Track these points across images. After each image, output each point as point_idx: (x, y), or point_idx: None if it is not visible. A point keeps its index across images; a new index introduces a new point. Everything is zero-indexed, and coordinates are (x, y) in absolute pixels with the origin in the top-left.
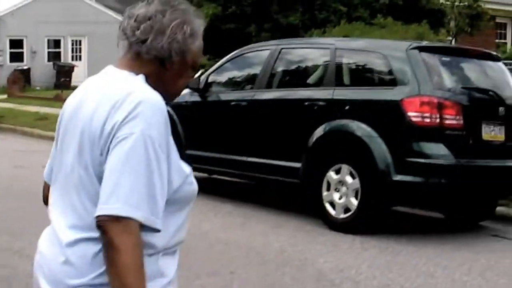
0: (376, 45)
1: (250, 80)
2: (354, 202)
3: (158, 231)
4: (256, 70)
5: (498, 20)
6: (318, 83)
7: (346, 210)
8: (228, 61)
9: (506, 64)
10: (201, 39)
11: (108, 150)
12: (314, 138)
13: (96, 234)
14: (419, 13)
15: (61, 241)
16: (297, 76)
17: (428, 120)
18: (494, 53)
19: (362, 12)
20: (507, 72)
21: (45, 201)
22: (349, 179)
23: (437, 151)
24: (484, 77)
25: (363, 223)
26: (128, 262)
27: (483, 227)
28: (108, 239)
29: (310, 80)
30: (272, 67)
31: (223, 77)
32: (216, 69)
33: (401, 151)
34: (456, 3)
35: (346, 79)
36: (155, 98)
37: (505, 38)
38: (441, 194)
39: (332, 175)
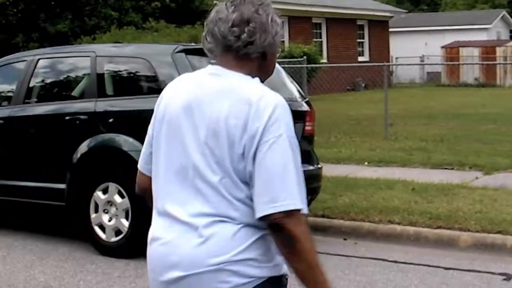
0: (139, 51)
1: (6, 96)
2: (125, 223)
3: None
4: (12, 84)
5: None
6: (81, 95)
7: (118, 232)
8: None
9: (287, 63)
10: None
11: (256, 151)
12: (78, 156)
13: (231, 219)
14: (193, 15)
15: (194, 225)
16: (57, 88)
17: None
18: None
19: (133, 17)
20: (283, 72)
21: (140, 190)
22: (118, 198)
23: None
24: None
25: (137, 246)
26: (309, 247)
27: None
28: (288, 232)
29: (74, 92)
30: (29, 81)
31: None
32: None
33: None
34: None
35: (109, 89)
36: (283, 101)
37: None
38: None
39: (99, 195)
